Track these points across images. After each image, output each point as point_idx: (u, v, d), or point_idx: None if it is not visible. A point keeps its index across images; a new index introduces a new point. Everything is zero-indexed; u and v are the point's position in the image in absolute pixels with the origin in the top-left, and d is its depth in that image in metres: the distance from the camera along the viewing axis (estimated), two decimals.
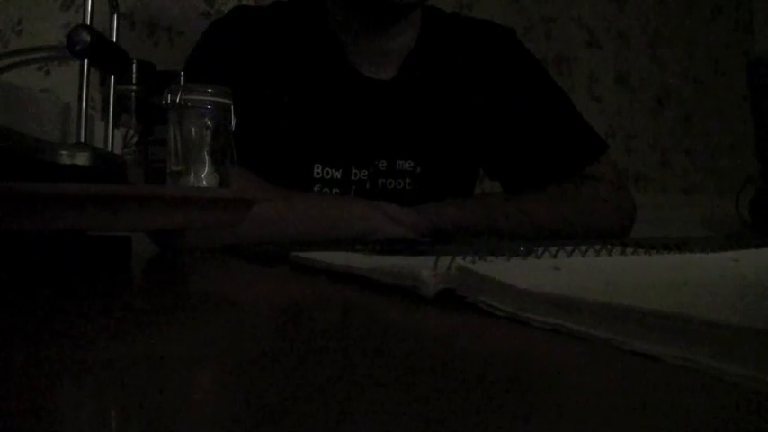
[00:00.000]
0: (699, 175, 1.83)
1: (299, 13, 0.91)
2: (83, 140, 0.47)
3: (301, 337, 0.26)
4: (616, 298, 0.22)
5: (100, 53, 0.48)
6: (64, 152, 0.44)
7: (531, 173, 0.93)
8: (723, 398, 0.17)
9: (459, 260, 0.32)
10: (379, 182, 0.90)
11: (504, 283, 0.27)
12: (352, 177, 0.89)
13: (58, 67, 1.13)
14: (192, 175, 0.57)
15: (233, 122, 0.59)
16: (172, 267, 0.61)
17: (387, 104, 0.90)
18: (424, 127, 0.91)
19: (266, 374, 0.20)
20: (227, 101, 0.58)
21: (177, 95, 0.56)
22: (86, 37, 0.46)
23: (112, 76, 0.54)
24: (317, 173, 0.87)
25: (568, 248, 0.38)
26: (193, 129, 0.57)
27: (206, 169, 0.57)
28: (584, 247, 0.38)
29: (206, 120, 0.57)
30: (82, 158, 0.44)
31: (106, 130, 0.53)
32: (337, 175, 0.88)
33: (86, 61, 0.47)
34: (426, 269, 0.32)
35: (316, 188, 0.87)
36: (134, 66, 0.65)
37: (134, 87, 0.65)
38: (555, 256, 0.36)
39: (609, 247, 0.39)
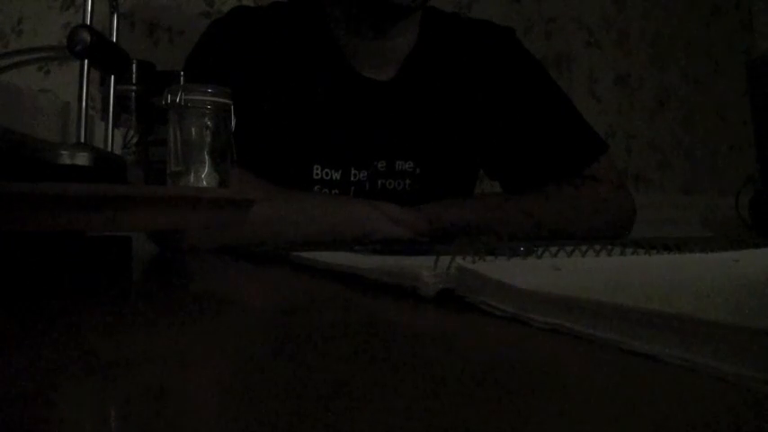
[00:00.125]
0: (699, 175, 1.83)
1: (299, 13, 0.91)
2: (83, 140, 0.47)
3: (301, 338, 0.26)
4: (616, 298, 0.22)
5: (100, 53, 0.48)
6: (64, 152, 0.44)
7: (530, 173, 0.93)
8: (723, 398, 0.17)
9: (459, 260, 0.32)
10: (379, 182, 0.90)
11: (504, 283, 0.27)
12: (352, 178, 0.89)
13: (58, 67, 1.13)
14: (192, 175, 0.57)
15: (233, 123, 0.59)
16: (172, 267, 0.61)
17: (386, 105, 0.90)
18: (423, 127, 0.91)
19: (266, 374, 0.20)
20: (227, 101, 0.58)
21: (177, 95, 0.56)
22: (86, 37, 0.46)
23: (112, 76, 0.54)
24: (317, 173, 0.87)
25: (568, 248, 0.38)
26: (193, 129, 0.57)
27: (206, 169, 0.57)
28: (584, 247, 0.38)
29: (206, 120, 0.57)
30: (82, 158, 0.44)
31: (106, 130, 0.53)
32: (337, 175, 0.88)
33: (86, 61, 0.47)
34: (426, 269, 0.32)
35: (315, 189, 0.87)
36: (134, 66, 0.65)
37: (134, 87, 0.65)
38: (555, 256, 0.36)
39: (609, 247, 0.39)
